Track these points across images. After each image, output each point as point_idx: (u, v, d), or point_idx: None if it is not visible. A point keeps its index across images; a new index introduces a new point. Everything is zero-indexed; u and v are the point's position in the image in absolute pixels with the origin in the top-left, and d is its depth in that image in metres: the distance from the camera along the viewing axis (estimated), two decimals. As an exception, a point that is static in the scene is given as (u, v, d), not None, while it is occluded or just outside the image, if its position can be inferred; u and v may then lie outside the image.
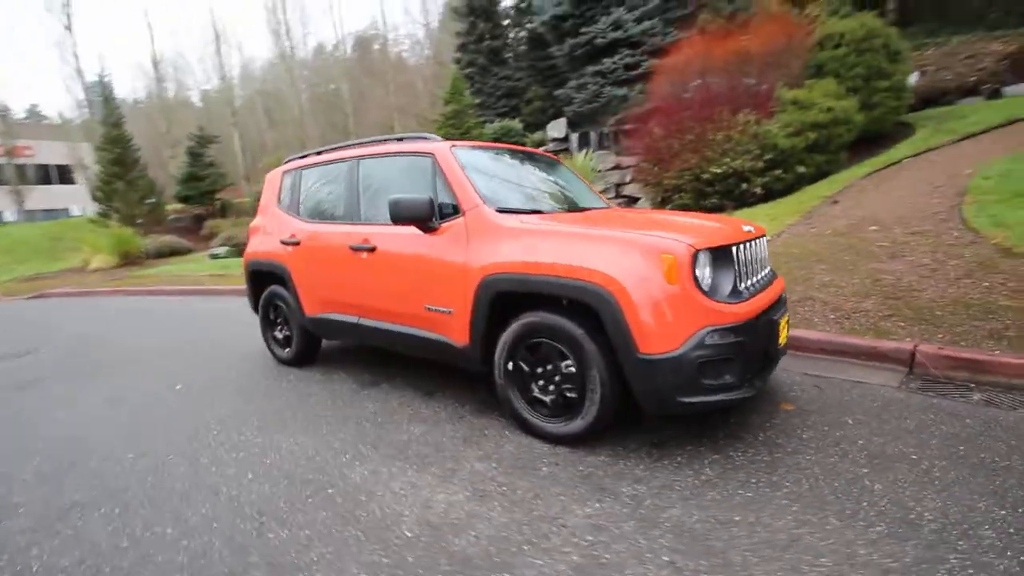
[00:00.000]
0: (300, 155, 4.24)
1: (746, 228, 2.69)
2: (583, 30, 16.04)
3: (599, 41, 15.82)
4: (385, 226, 3.26)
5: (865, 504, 1.92)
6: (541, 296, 2.52)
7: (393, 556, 1.81)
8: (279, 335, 4.25)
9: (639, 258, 2.25)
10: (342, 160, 3.68)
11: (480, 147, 3.37)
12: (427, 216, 2.83)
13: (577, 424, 2.45)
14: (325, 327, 3.76)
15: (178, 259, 15.15)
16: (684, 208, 8.59)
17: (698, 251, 2.24)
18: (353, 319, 3.50)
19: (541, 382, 2.59)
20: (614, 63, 15.78)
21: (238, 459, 2.61)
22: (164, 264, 14.25)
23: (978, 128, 7.86)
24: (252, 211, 19.16)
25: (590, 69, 16.30)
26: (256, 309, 4.42)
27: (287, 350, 4.16)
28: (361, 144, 3.69)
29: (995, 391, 2.84)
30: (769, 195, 8.35)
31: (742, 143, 8.30)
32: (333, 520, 2.04)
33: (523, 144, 17.15)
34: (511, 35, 22.10)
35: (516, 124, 17.65)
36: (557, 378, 2.52)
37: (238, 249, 14.77)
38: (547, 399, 2.57)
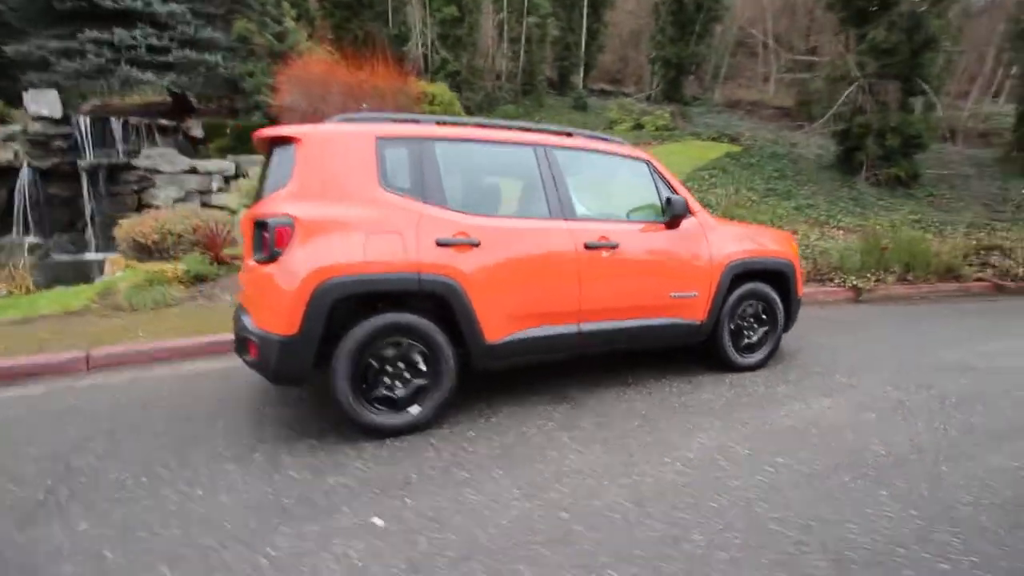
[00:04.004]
0: (391, 118, 2.82)
1: None
2: (75, -23, 11.70)
3: (107, 4, 12.00)
4: (617, 222, 3.27)
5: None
6: (752, 273, 3.73)
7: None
8: (395, 392, 2.69)
9: (789, 242, 3.99)
10: (518, 143, 3.04)
11: None
12: (686, 215, 3.34)
13: (760, 355, 3.84)
14: (520, 349, 2.95)
15: None
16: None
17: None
18: (572, 328, 3.09)
19: (748, 332, 3.79)
20: (134, 38, 12.42)
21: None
22: None
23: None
24: None
25: (91, 35, 12.05)
26: (300, 367, 2.52)
27: (415, 408, 2.74)
28: (519, 128, 3.16)
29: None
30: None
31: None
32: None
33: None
34: None
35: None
36: (756, 325, 3.82)
37: None
38: (754, 340, 3.80)
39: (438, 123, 2.94)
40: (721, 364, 3.73)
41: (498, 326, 2.86)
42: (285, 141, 2.69)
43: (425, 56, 19.12)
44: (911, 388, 3.47)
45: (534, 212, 3.04)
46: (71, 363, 3.96)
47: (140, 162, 11.01)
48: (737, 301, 3.65)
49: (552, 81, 22.25)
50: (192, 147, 13.42)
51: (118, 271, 7.17)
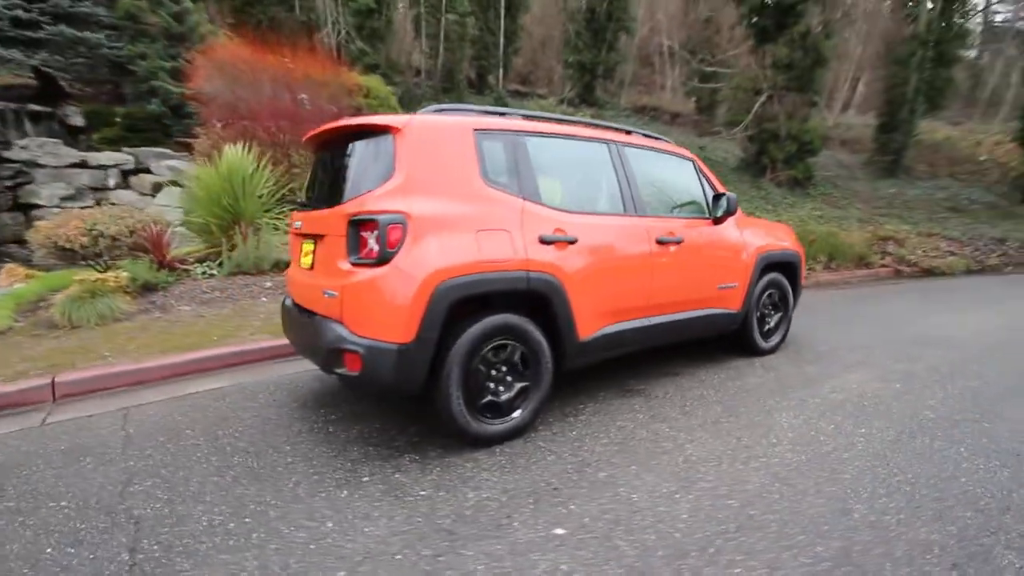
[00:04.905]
0: (481, 110, 2.66)
1: None
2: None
3: (-47, -39, 9.91)
4: (676, 219, 3.38)
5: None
6: (773, 264, 4.02)
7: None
8: (501, 397, 2.55)
9: (793, 235, 4.38)
10: (596, 139, 3.04)
11: None
12: (735, 212, 3.54)
13: (776, 338, 4.20)
14: (604, 346, 2.93)
15: None
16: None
17: None
18: (644, 322, 3.14)
19: (768, 319, 4.10)
20: (-9, 7, 10.38)
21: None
22: None
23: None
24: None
25: (-68, -2, 9.87)
26: (416, 376, 2.32)
27: (519, 412, 2.62)
28: (591, 125, 3.16)
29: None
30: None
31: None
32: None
33: None
34: None
35: None
36: (773, 311, 4.15)
37: None
38: (772, 325, 4.13)
39: (524, 117, 2.83)
40: (746, 349, 4.00)
41: (588, 323, 2.83)
42: (375, 132, 2.43)
43: (339, 46, 18.10)
44: (907, 360, 3.99)
45: (613, 208, 3.05)
46: (32, 393, 3.27)
47: (15, 154, 9.24)
48: (762, 290, 3.95)
49: (471, 80, 22.14)
50: (72, 137, 11.54)
51: (16, 282, 6.03)
